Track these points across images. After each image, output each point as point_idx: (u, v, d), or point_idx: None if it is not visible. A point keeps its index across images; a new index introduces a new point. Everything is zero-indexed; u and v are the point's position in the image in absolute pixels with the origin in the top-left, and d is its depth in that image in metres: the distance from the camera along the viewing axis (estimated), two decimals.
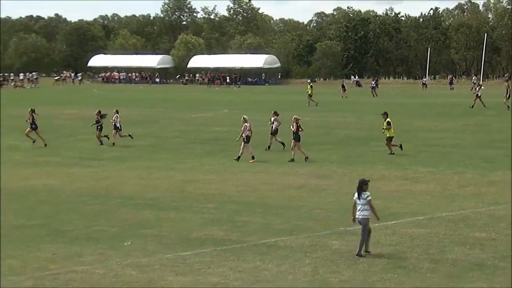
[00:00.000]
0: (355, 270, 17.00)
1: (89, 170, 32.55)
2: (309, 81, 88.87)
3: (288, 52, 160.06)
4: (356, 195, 18.38)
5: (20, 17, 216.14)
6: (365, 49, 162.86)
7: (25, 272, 16.86)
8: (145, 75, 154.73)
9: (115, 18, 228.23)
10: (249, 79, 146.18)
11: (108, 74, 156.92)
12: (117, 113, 41.51)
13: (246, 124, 35.02)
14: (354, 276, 16.53)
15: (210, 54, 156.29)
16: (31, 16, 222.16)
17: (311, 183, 29.10)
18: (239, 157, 34.68)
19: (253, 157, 34.83)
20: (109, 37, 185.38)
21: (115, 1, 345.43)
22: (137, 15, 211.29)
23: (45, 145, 40.32)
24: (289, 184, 28.97)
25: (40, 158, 36.08)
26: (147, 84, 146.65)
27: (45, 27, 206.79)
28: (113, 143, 40.84)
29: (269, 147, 38.54)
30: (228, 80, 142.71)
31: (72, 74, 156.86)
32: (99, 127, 40.74)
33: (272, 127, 38.41)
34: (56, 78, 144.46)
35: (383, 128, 36.87)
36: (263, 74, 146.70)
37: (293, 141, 34.62)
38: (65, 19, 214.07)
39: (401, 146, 36.54)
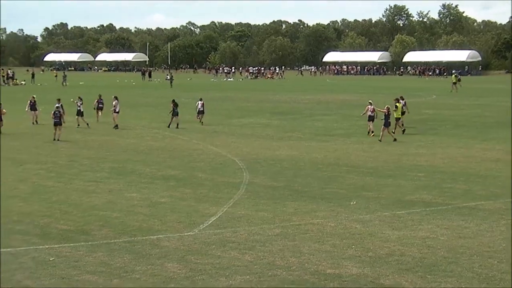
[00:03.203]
0: None
1: (322, 143, 32.83)
2: (454, 71, 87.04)
3: (488, 48, 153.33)
4: None
5: (270, 23, 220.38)
6: None
7: (274, 222, 17.33)
8: (368, 68, 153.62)
9: (344, 22, 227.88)
10: (453, 71, 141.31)
11: (339, 67, 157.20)
12: (201, 100, 42.30)
13: (368, 106, 35.82)
14: None
15: (421, 50, 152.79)
16: (278, 21, 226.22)
17: (507, 157, 27.80)
18: (369, 131, 35.51)
19: (372, 132, 35.23)
20: (340, 38, 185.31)
21: (343, 8, 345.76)
22: (359, 19, 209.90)
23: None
24: (487, 157, 27.87)
25: (285, 134, 36.77)
26: (369, 75, 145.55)
27: (289, 30, 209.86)
28: (202, 123, 41.27)
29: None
30: (437, 72, 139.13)
31: (306, 67, 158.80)
32: (173, 113, 39.85)
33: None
34: (275, 72, 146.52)
35: (393, 110, 35.40)
36: (466, 67, 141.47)
37: (383, 126, 33.36)
38: (305, 23, 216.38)
39: (403, 131, 36.00)
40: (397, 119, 35.91)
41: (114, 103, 39.77)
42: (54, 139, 33.02)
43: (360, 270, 13.48)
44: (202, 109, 42.24)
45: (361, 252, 14.70)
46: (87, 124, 39.46)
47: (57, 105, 35.42)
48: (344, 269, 13.55)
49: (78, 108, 39.67)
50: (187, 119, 41.93)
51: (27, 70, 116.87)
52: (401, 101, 38.51)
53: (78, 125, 39.27)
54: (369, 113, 35.81)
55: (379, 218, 17.68)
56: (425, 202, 19.56)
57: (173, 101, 40.35)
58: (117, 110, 39.72)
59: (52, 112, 33.66)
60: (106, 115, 42.98)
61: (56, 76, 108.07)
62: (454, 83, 76.01)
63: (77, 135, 35.57)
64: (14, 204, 19.43)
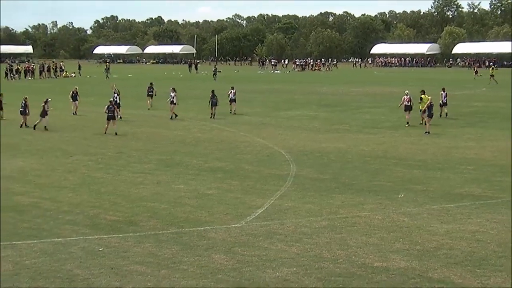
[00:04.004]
0: None
1: (370, 136, 32.60)
2: (492, 64, 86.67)
3: None
4: None
5: (317, 14, 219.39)
6: None
7: (321, 214, 17.29)
8: (416, 60, 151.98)
9: (392, 13, 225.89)
10: (505, 63, 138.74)
11: (386, 59, 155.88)
12: (233, 88, 43.58)
13: (405, 96, 36.72)
14: None
15: (471, 42, 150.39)
16: (325, 12, 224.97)
17: None
18: (407, 122, 36.21)
19: (407, 123, 36.05)
20: (388, 30, 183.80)
21: (390, 1, 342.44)
22: (408, 11, 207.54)
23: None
24: None
25: (331, 126, 36.60)
26: (418, 67, 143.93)
27: (337, 22, 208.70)
28: (231, 111, 42.82)
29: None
30: (487, 64, 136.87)
31: (357, 60, 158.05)
32: (211, 103, 40.90)
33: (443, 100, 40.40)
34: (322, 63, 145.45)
35: (419, 102, 36.17)
36: None
37: (427, 117, 33.80)
38: (353, 15, 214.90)
39: (423, 122, 35.75)
40: (422, 111, 36.12)
41: (172, 94, 40.66)
42: (105, 133, 33.12)
43: (408, 264, 13.37)
44: (233, 97, 43.20)
45: (409, 245, 14.57)
46: (120, 117, 39.30)
47: (111, 99, 35.76)
48: (392, 262, 13.45)
49: (116, 100, 39.76)
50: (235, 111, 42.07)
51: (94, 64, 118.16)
52: (442, 92, 40.24)
53: (120, 117, 39.39)
54: (405, 103, 36.55)
55: (427, 211, 17.50)
56: (474, 196, 19.30)
57: (212, 91, 41.41)
58: (174, 102, 40.63)
59: (106, 106, 33.63)
60: (157, 107, 43.37)
61: (108, 68, 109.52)
62: (492, 76, 75.23)
63: (125, 127, 35.90)
64: (63, 195, 19.75)
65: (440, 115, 39.64)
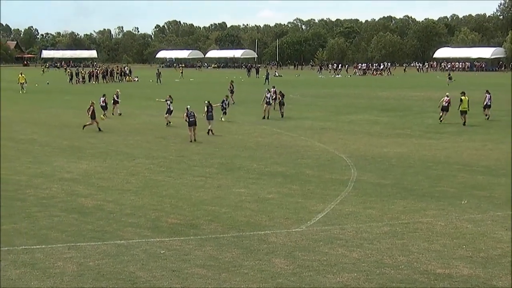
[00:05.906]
0: None
1: (432, 141, 32.18)
2: None
3: None
4: None
5: (379, 18, 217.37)
6: None
7: (382, 220, 17.14)
8: (480, 64, 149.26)
9: (454, 17, 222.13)
10: None
11: (450, 64, 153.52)
12: (274, 87, 46.93)
13: (445, 98, 39.75)
14: None
15: None
16: (387, 16, 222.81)
17: None
18: (440, 117, 39.85)
19: (441, 119, 39.49)
20: (452, 33, 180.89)
21: (455, 3, 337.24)
22: (473, 15, 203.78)
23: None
24: None
25: (393, 131, 36.24)
26: (480, 71, 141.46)
27: (399, 26, 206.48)
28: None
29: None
30: None
31: (419, 64, 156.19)
32: (280, 102, 43.80)
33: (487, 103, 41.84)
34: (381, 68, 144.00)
35: (459, 105, 39.06)
36: None
37: None
38: (414, 19, 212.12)
39: (464, 123, 38.25)
40: (462, 112, 38.56)
41: (268, 95, 43.72)
42: (191, 141, 32.51)
43: (472, 271, 13.15)
44: (270, 101, 44.33)
45: (473, 252, 14.33)
46: (169, 122, 38.94)
47: (188, 106, 35.55)
48: (455, 269, 13.24)
49: (168, 107, 39.43)
50: (293, 115, 42.01)
51: (133, 64, 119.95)
52: (487, 95, 41.94)
53: (168, 123, 39.24)
54: (444, 103, 39.75)
55: (492, 218, 17.17)
56: None
57: (280, 92, 44.05)
58: (271, 102, 43.57)
59: (186, 113, 33.14)
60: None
61: (182, 72, 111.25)
62: None
63: (186, 131, 36.11)
64: (126, 198, 20.04)
65: (487, 118, 41.09)
